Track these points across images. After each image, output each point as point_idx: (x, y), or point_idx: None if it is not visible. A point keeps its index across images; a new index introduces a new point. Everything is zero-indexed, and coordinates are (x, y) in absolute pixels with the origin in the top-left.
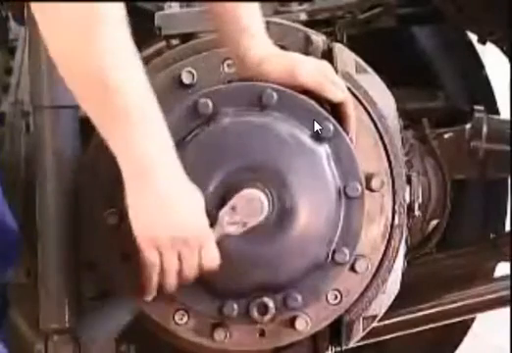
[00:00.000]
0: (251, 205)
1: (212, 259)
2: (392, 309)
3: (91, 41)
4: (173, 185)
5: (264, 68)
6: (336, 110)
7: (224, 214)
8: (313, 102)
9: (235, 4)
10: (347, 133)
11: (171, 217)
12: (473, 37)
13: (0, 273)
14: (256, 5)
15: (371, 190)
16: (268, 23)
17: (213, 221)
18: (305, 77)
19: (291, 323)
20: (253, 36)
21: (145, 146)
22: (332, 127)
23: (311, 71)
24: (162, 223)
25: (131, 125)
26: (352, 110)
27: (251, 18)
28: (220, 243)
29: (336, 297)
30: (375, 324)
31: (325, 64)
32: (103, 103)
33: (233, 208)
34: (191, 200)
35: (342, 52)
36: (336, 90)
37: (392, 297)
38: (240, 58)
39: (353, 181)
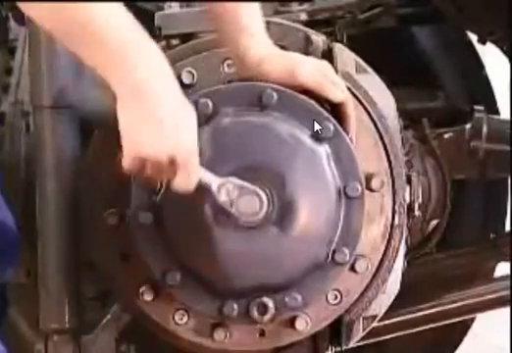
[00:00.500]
0: (251, 199)
1: (189, 182)
2: (392, 309)
3: None
4: (167, 107)
5: (264, 68)
6: (337, 110)
7: (227, 181)
8: (313, 102)
9: (235, 4)
10: (347, 133)
11: (162, 137)
12: (473, 37)
13: (0, 272)
14: (256, 5)
15: (371, 190)
16: (268, 23)
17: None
18: (305, 77)
19: (291, 323)
20: (253, 36)
21: (141, 73)
22: (332, 127)
23: (311, 71)
24: (153, 142)
25: (121, 54)
26: (352, 110)
27: (251, 17)
28: (220, 243)
29: (336, 297)
30: (375, 324)
31: (325, 64)
32: (97, 42)
33: (242, 187)
34: (184, 122)
35: (342, 52)
36: (336, 90)
37: (392, 297)
38: (240, 58)
39: (353, 181)
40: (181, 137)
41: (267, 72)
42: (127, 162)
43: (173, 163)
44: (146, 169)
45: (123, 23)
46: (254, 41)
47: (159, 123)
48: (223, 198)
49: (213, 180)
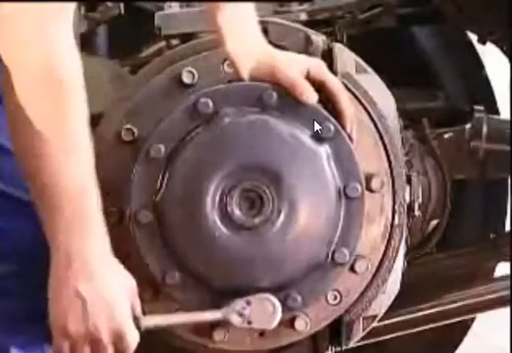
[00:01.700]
0: (264, 309)
1: (128, 350)
2: (392, 309)
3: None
4: (96, 282)
5: (249, 67)
6: (334, 108)
7: (237, 303)
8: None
9: (228, 4)
10: (344, 129)
11: (90, 316)
12: (473, 37)
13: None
14: (250, 5)
15: (371, 191)
16: (268, 23)
17: (208, 223)
18: (281, 77)
19: (291, 323)
20: (243, 36)
21: (81, 245)
22: (332, 128)
23: (287, 70)
24: (80, 320)
25: (66, 219)
26: (346, 107)
27: (242, 17)
28: (219, 243)
29: (336, 297)
30: (375, 324)
31: (318, 62)
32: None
33: (249, 302)
34: (115, 297)
35: (342, 52)
36: (310, 93)
37: (392, 297)
38: (231, 57)
39: (353, 182)
40: (115, 314)
41: (251, 71)
42: (56, 341)
43: (101, 342)
44: (77, 347)
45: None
46: (244, 41)
47: (98, 298)
48: (238, 321)
49: (218, 314)
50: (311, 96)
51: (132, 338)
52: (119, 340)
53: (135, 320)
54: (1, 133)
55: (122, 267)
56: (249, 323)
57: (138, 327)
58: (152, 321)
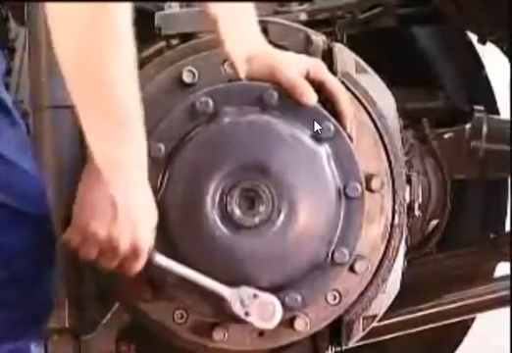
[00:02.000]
0: (265, 309)
1: (131, 270)
2: (392, 309)
3: (100, 53)
4: (131, 196)
5: (248, 68)
6: (333, 107)
7: (245, 291)
8: None
9: (227, 4)
10: (344, 129)
11: (116, 224)
12: (473, 37)
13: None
14: (250, 5)
15: (371, 191)
16: (268, 22)
17: (208, 222)
18: (281, 78)
19: (291, 323)
20: (242, 36)
21: (128, 157)
22: (332, 128)
23: (286, 71)
24: (105, 225)
25: (118, 137)
26: (346, 107)
27: (242, 17)
28: (220, 242)
29: (336, 297)
30: (375, 324)
31: (317, 62)
32: (100, 112)
33: (255, 296)
34: (144, 214)
35: (342, 52)
36: (310, 94)
37: (392, 297)
38: (230, 58)
39: (353, 182)
40: (138, 231)
41: (251, 71)
42: (69, 232)
43: (115, 251)
44: (85, 245)
45: (133, 96)
46: (244, 42)
47: (129, 209)
48: (237, 307)
49: (224, 290)
50: (311, 97)
51: (142, 261)
52: (131, 256)
53: (150, 250)
54: None
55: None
56: (246, 314)
57: (150, 259)
58: (165, 261)
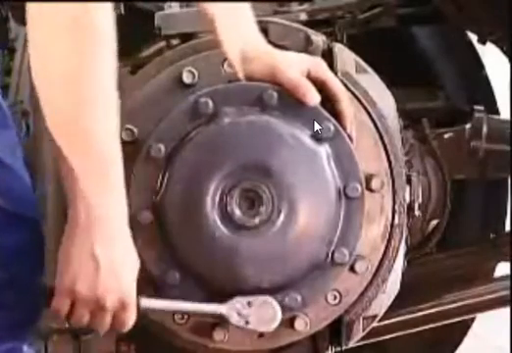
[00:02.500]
0: (264, 313)
1: (125, 324)
2: (392, 309)
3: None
4: (113, 249)
5: (249, 68)
6: (334, 107)
7: (238, 302)
8: None
9: (225, 5)
10: (344, 129)
11: (101, 280)
12: (473, 37)
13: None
14: (247, 5)
15: (371, 191)
16: (267, 23)
17: (208, 223)
18: (283, 78)
19: (291, 323)
20: (241, 37)
21: (104, 209)
22: (332, 128)
23: (288, 71)
24: (90, 283)
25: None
26: (346, 106)
27: (240, 18)
28: (220, 243)
29: (336, 297)
30: (375, 324)
31: (318, 61)
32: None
33: (249, 303)
34: (127, 267)
35: (342, 52)
36: (312, 93)
37: (392, 297)
38: (230, 58)
39: (353, 182)
40: (123, 285)
41: (252, 71)
42: (57, 300)
43: (104, 308)
44: (75, 310)
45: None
46: (242, 42)
47: (111, 265)
48: (235, 320)
49: (218, 308)
50: (313, 97)
51: (133, 313)
52: (120, 311)
53: (137, 298)
54: None
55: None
56: (247, 323)
57: (138, 307)
58: (152, 303)
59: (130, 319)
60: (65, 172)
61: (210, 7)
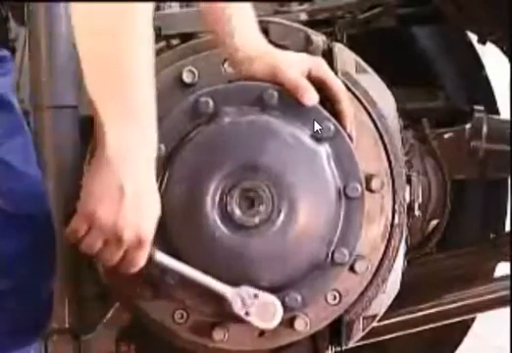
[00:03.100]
0: (266, 308)
1: (134, 263)
2: (392, 309)
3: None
4: (139, 183)
5: (250, 68)
6: (334, 107)
7: (246, 290)
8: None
9: (225, 4)
10: (344, 129)
11: (123, 211)
12: (473, 37)
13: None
14: (248, 5)
15: (371, 191)
16: (268, 22)
17: (208, 222)
18: (283, 77)
19: (291, 323)
20: (242, 37)
21: (134, 137)
22: (332, 127)
23: (288, 71)
24: (112, 211)
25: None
26: (346, 106)
27: (241, 18)
28: (220, 242)
29: (336, 297)
30: (375, 324)
31: (319, 61)
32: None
33: (256, 295)
34: (150, 203)
35: (342, 52)
36: (311, 94)
37: (392, 297)
38: (230, 59)
39: (353, 182)
40: (143, 222)
41: (253, 72)
42: (75, 221)
43: (120, 240)
44: (90, 235)
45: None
46: (243, 42)
47: (136, 197)
48: (238, 307)
49: (226, 289)
50: (312, 97)
51: (145, 254)
52: (134, 248)
53: (151, 249)
54: None
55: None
56: (247, 314)
57: (151, 257)
58: (165, 259)
59: (141, 259)
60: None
61: (208, 6)
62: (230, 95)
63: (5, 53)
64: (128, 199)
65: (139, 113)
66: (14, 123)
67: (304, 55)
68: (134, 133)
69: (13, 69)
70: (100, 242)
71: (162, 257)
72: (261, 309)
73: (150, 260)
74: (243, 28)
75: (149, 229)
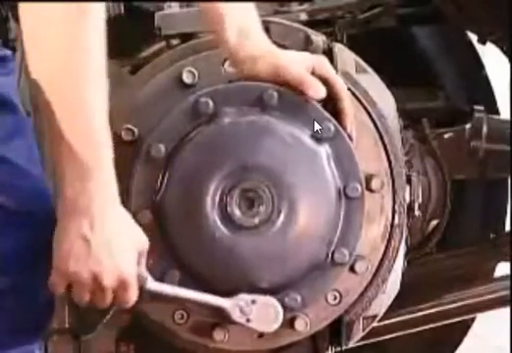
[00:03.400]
0: (266, 313)
1: (126, 302)
2: (392, 309)
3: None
4: (105, 230)
5: (253, 68)
6: (334, 106)
7: (242, 298)
8: (314, 102)
9: (228, 5)
10: (344, 128)
11: (95, 260)
12: (473, 37)
13: None
14: (251, 5)
15: (371, 191)
16: (268, 22)
17: (208, 223)
18: (287, 75)
19: (291, 323)
20: (244, 37)
21: (87, 196)
22: (332, 128)
23: (291, 68)
24: (83, 264)
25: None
26: (347, 105)
27: (243, 18)
28: (220, 243)
29: (336, 298)
30: (375, 324)
31: (322, 59)
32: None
33: (253, 301)
34: (123, 244)
35: (342, 52)
36: (318, 87)
37: (392, 297)
38: (232, 59)
39: (353, 182)
40: (119, 262)
41: (257, 71)
42: (53, 278)
43: (103, 288)
44: (74, 290)
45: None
46: (245, 42)
47: (103, 244)
48: (237, 316)
49: (222, 302)
50: (319, 91)
51: (133, 292)
52: (121, 289)
53: (141, 278)
54: None
55: (134, 223)
56: (248, 320)
57: (142, 287)
58: (159, 287)
59: (132, 297)
60: (52, 157)
61: (209, 7)
62: (230, 95)
63: (6, 53)
64: (95, 249)
65: (94, 171)
66: (17, 122)
67: (307, 53)
68: (92, 188)
69: (15, 69)
70: (87, 294)
71: (154, 285)
72: (261, 313)
73: (142, 290)
74: (246, 28)
75: (129, 270)
